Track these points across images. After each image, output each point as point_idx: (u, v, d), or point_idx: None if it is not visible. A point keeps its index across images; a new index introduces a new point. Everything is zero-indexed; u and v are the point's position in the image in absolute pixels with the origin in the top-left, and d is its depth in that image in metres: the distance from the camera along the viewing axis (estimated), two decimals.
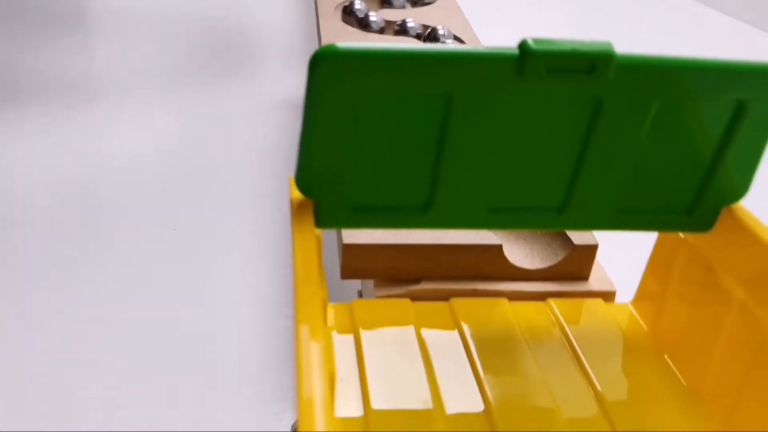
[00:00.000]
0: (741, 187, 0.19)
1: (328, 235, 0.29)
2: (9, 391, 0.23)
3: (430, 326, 0.22)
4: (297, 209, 0.17)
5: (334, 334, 0.21)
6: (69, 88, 0.44)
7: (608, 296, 0.23)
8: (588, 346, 0.21)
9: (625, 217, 0.19)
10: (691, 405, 0.19)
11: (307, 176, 0.17)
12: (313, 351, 0.13)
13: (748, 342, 0.18)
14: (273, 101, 0.43)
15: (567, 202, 0.18)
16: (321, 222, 0.18)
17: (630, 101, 0.17)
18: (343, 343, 0.21)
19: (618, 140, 0.17)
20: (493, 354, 0.21)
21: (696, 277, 0.21)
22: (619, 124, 0.17)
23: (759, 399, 0.18)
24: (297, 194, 0.18)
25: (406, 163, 0.17)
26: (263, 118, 0.42)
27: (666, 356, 0.21)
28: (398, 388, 0.19)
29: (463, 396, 0.19)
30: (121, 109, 0.43)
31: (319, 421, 0.12)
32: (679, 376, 0.20)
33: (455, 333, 0.22)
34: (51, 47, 0.49)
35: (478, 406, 0.19)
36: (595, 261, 0.24)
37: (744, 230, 0.19)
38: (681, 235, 0.21)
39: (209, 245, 0.31)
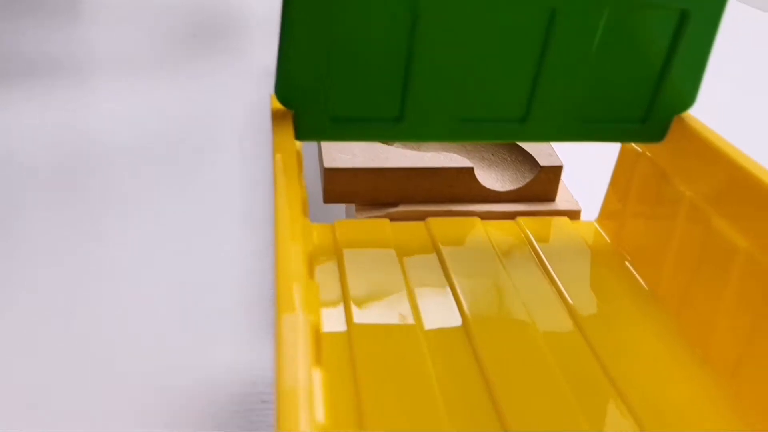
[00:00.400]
0: (689, 96, 0.20)
1: (312, 161, 0.30)
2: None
3: (409, 245, 0.23)
4: (277, 119, 0.19)
5: (319, 256, 0.23)
6: (53, 69, 0.45)
7: (574, 215, 0.25)
8: (557, 260, 0.23)
9: (583, 128, 0.20)
10: (651, 304, 0.21)
11: (285, 85, 0.18)
12: (293, 274, 0.14)
13: (699, 241, 0.20)
14: (257, 76, 0.44)
15: (529, 112, 0.20)
16: (301, 134, 0.19)
17: (581, 10, 0.18)
18: (326, 262, 0.23)
19: (572, 50, 0.19)
20: (469, 271, 0.22)
21: (653, 188, 0.22)
22: (572, 33, 0.18)
23: (707, 293, 0.19)
24: (278, 106, 0.19)
25: (378, 74, 0.19)
26: (246, 92, 0.43)
27: (627, 263, 0.23)
28: (379, 304, 0.20)
29: (441, 311, 0.20)
30: (108, 86, 0.44)
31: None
32: (639, 280, 0.22)
33: (432, 251, 0.23)
34: (36, 30, 0.50)
35: (456, 320, 0.20)
36: (562, 183, 0.26)
37: (695, 138, 0.20)
38: (639, 149, 0.23)
39: (198, 217, 0.32)
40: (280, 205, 0.15)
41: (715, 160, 0.20)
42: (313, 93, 0.18)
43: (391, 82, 0.19)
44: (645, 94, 0.20)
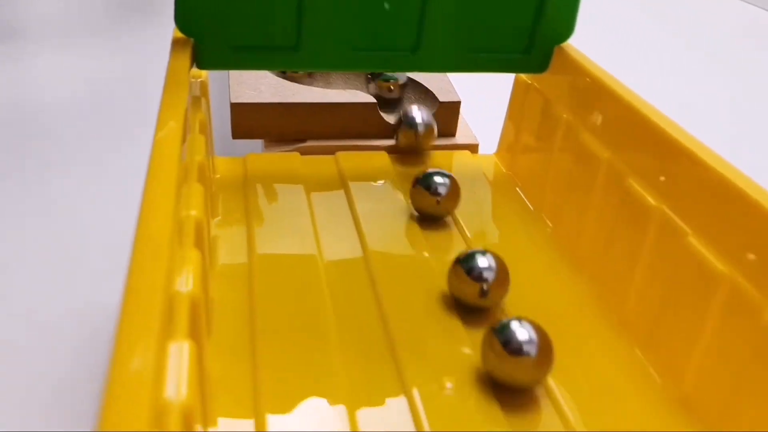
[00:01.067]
0: (567, 27, 0.22)
1: (222, 98, 0.31)
2: None
3: (318, 178, 0.24)
4: (175, 46, 0.19)
5: (224, 186, 0.24)
6: None
7: (473, 148, 0.27)
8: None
9: (470, 58, 0.22)
10: (532, 220, 0.23)
11: (185, 13, 0.19)
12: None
13: (573, 162, 0.21)
14: None
15: (419, 42, 0.21)
16: (202, 62, 0.20)
17: None
18: (234, 194, 0.23)
19: None
20: (374, 202, 0.23)
21: (540, 118, 0.24)
22: None
23: (577, 207, 0.21)
24: (178, 35, 0.20)
25: (274, 3, 0.20)
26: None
27: (518, 189, 0.24)
28: (284, 236, 0.21)
29: (343, 244, 0.21)
30: (42, 51, 0.44)
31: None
32: (526, 201, 0.24)
33: (340, 184, 0.24)
34: None
35: (357, 252, 0.21)
36: (462, 120, 0.27)
37: (575, 68, 0.22)
38: (528, 80, 0.25)
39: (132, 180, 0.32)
40: (157, 143, 0.15)
41: (593, 89, 0.21)
42: (213, 21, 0.19)
43: (287, 11, 0.20)
44: (525, 24, 0.22)
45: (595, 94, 0.21)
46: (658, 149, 0.18)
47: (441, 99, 0.26)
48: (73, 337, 0.21)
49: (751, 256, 0.14)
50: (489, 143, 0.27)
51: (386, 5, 0.20)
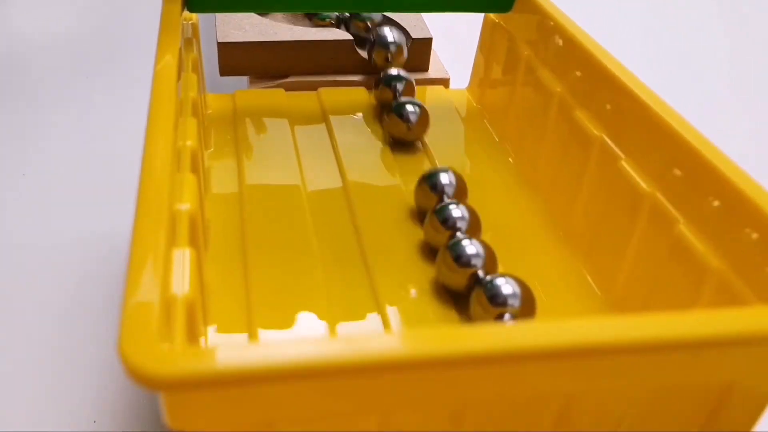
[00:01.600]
0: None
1: (208, 38, 0.33)
2: None
3: (301, 113, 0.27)
4: None
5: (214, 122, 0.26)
6: None
7: (445, 83, 0.29)
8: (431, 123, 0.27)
9: None
10: (495, 149, 0.25)
11: None
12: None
13: (535, 91, 0.24)
14: None
15: None
16: (192, 5, 0.22)
17: None
18: (224, 128, 0.25)
19: None
20: (354, 134, 0.25)
21: (505, 55, 0.26)
22: None
23: (535, 136, 0.23)
24: None
25: None
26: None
27: (485, 121, 0.27)
28: (270, 168, 0.23)
29: (324, 175, 0.23)
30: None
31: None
32: (492, 131, 0.26)
33: (321, 118, 0.26)
34: None
35: (337, 183, 0.23)
36: (434, 55, 0.29)
37: (536, 8, 0.24)
38: (496, 19, 0.26)
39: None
40: (156, 81, 0.18)
41: (550, 28, 0.23)
42: None
43: None
44: None
45: (551, 31, 0.23)
46: (602, 84, 0.20)
47: (414, 35, 0.28)
48: (80, 265, 0.24)
49: (671, 174, 0.17)
50: (464, 80, 0.29)
51: None
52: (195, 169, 0.17)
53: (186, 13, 0.22)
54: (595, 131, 0.20)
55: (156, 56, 0.18)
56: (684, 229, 0.16)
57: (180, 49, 0.19)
